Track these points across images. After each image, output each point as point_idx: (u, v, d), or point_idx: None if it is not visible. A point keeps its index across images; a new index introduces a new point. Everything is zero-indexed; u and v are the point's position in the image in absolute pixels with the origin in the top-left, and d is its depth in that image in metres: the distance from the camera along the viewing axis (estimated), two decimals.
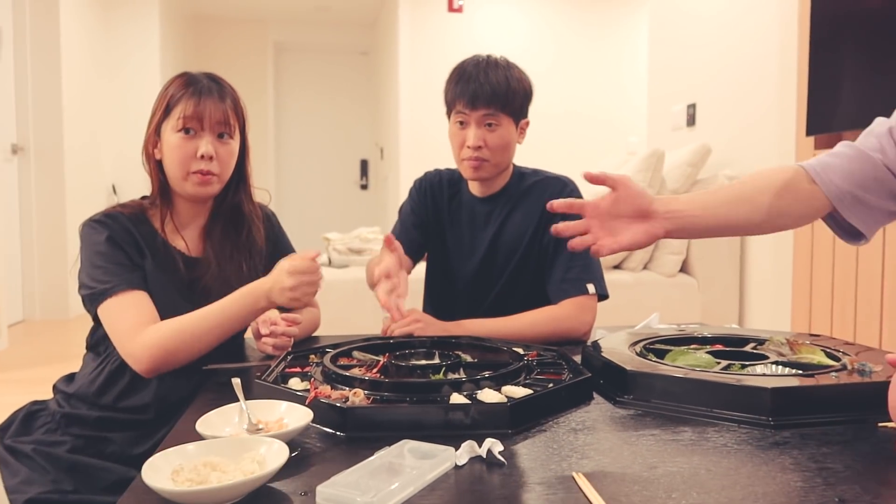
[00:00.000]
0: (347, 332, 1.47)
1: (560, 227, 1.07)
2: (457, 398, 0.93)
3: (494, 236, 1.61)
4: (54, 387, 1.34)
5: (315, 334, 1.54)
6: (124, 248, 1.28)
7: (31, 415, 1.28)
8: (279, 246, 1.50)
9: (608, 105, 5.71)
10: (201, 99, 1.30)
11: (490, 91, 1.51)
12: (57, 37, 4.75)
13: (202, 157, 1.29)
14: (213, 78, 1.36)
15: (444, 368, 1.06)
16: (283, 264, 1.23)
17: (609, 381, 1.05)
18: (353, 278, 2.92)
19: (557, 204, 1.08)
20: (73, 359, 1.34)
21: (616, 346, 1.17)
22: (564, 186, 1.61)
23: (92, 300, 1.24)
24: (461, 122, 1.56)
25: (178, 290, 1.31)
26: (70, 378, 1.35)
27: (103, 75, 5.44)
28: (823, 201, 1.09)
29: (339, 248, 3.13)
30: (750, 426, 0.89)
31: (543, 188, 1.61)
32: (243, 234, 1.40)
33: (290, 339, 1.30)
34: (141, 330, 1.20)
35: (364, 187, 7.34)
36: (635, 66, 5.57)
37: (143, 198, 1.39)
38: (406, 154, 5.51)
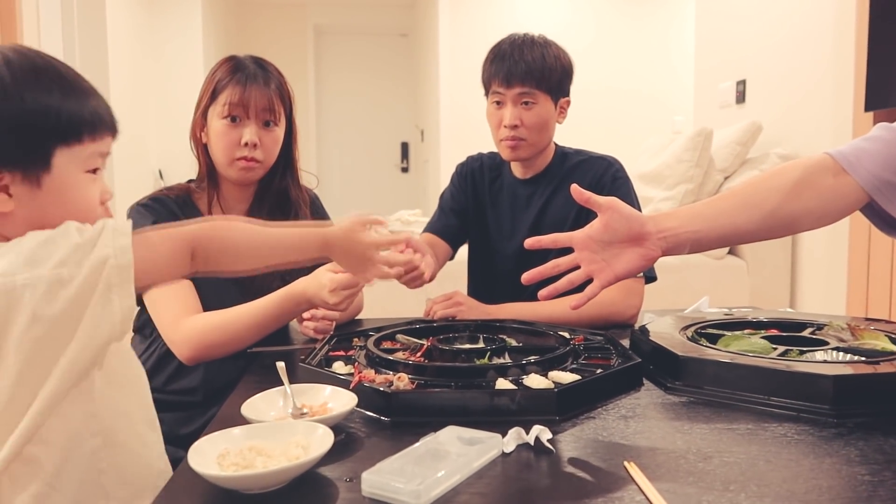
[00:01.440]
0: (390, 316, 1.47)
1: (546, 269, 0.99)
2: (502, 383, 0.91)
3: (536, 218, 1.58)
4: None
5: (358, 317, 1.54)
6: None
7: None
8: None
9: (653, 83, 5.56)
10: (247, 86, 1.29)
11: (525, 68, 1.48)
12: (103, 24, 4.82)
13: (246, 144, 1.29)
14: (260, 63, 1.35)
15: (488, 353, 1.04)
16: (324, 279, 1.17)
17: (659, 366, 1.02)
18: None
19: (534, 241, 1.00)
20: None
21: (666, 330, 1.13)
22: (609, 166, 1.57)
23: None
24: (498, 102, 1.53)
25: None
26: None
27: (148, 61, 5.52)
28: (858, 193, 0.99)
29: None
30: (810, 415, 0.85)
31: (588, 168, 1.57)
32: (290, 220, 1.39)
33: (331, 322, 1.30)
34: (183, 320, 1.21)
35: (405, 170, 7.33)
36: (682, 42, 5.41)
37: (190, 181, 1.40)
38: (447, 136, 5.47)
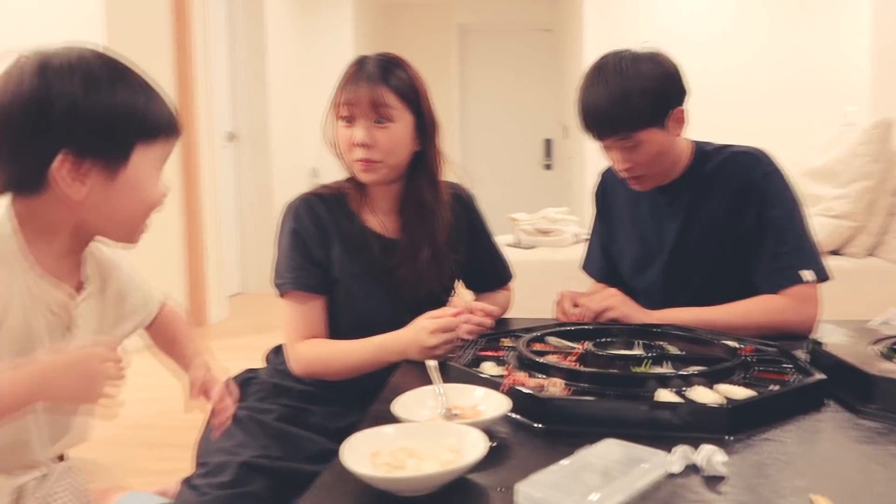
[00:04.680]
0: (534, 315, 1.42)
1: None
2: (664, 395, 0.84)
3: (683, 224, 1.44)
4: (266, 357, 1.43)
5: (504, 316, 1.51)
6: (307, 244, 1.32)
7: (246, 382, 1.38)
8: (475, 229, 1.47)
9: (820, 70, 5.07)
10: (356, 85, 1.28)
11: (609, 121, 1.34)
12: (264, 35, 5.16)
13: (357, 145, 1.28)
14: (382, 61, 1.31)
15: (646, 360, 0.98)
16: (425, 322, 1.15)
17: (845, 385, 0.90)
18: (541, 259, 2.87)
19: None
20: (282, 329, 1.42)
21: (850, 343, 1.01)
22: (757, 162, 1.40)
23: (276, 287, 1.34)
24: (605, 146, 1.41)
25: (372, 274, 1.32)
26: (278, 350, 1.43)
27: (303, 66, 5.83)
28: None
29: (527, 229, 3.09)
30: None
31: (733, 169, 1.41)
32: (428, 224, 1.35)
33: (483, 329, 1.27)
34: (298, 343, 1.29)
35: (548, 167, 7.23)
36: (854, 24, 4.89)
37: (348, 180, 1.41)
38: None
